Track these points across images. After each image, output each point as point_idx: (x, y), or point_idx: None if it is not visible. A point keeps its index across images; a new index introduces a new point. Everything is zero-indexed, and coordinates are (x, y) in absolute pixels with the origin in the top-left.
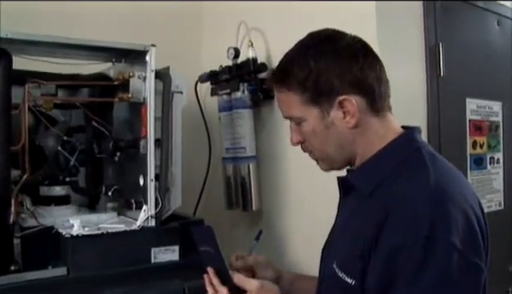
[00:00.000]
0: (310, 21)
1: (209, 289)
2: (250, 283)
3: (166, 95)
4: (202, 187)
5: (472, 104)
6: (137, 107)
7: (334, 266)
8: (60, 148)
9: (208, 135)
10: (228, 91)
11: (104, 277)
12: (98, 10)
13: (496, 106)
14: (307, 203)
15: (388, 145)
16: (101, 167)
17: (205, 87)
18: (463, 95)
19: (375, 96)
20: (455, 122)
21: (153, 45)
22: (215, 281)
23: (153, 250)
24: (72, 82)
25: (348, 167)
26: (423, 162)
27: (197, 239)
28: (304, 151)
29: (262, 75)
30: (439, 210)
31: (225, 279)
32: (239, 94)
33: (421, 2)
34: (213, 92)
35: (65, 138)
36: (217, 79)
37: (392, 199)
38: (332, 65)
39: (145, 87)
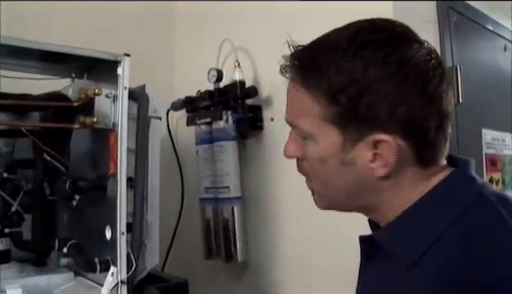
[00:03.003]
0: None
1: None
2: None
3: (142, 119)
4: (173, 233)
5: (487, 135)
6: (104, 135)
7: None
8: None
9: (181, 171)
10: (209, 119)
11: None
12: (48, 15)
13: (508, 138)
14: (303, 253)
15: (433, 191)
16: (54, 213)
17: (177, 116)
18: (479, 125)
19: (428, 143)
20: (472, 156)
21: (126, 54)
22: None
23: None
24: (18, 102)
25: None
26: (497, 215)
27: None
28: (298, 170)
29: (251, 101)
30: None
31: None
32: (221, 123)
33: (436, 22)
34: (190, 121)
35: (6, 175)
36: (195, 106)
37: (465, 276)
38: (387, 87)
39: (116, 109)
